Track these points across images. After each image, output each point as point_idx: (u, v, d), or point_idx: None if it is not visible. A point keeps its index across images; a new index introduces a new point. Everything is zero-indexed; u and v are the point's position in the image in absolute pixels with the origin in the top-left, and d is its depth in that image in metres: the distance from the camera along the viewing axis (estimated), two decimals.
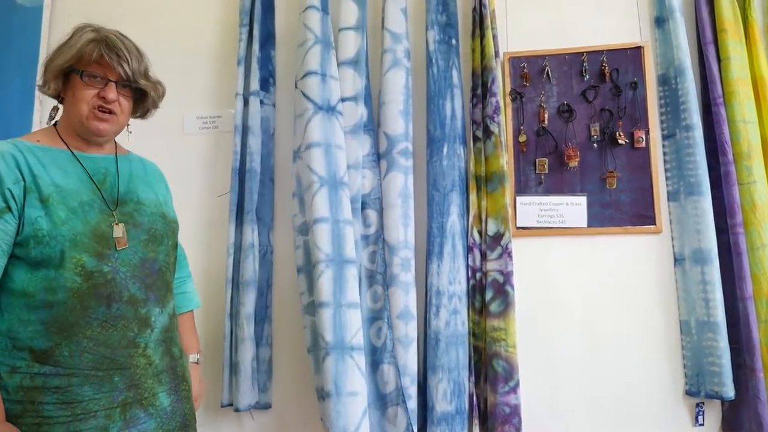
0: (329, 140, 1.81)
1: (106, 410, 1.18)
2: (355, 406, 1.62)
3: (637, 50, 1.92)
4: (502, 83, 1.96)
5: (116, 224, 1.24)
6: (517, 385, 1.73)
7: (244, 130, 1.95)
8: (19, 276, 1.17)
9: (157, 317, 1.29)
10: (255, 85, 1.96)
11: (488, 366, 1.77)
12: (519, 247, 1.91)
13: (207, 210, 2.07)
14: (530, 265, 1.92)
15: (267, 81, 2.03)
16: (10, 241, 1.16)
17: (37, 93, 2.25)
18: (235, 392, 1.83)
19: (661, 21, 1.93)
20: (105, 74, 1.27)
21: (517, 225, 1.92)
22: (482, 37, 1.91)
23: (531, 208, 1.92)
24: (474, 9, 1.95)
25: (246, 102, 1.96)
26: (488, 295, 1.79)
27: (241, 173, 1.93)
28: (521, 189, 1.94)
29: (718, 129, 1.80)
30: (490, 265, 1.82)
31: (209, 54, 2.18)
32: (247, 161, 1.90)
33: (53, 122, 1.33)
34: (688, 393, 1.80)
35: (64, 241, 1.16)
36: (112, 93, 1.28)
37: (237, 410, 1.83)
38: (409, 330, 1.76)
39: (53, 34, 2.30)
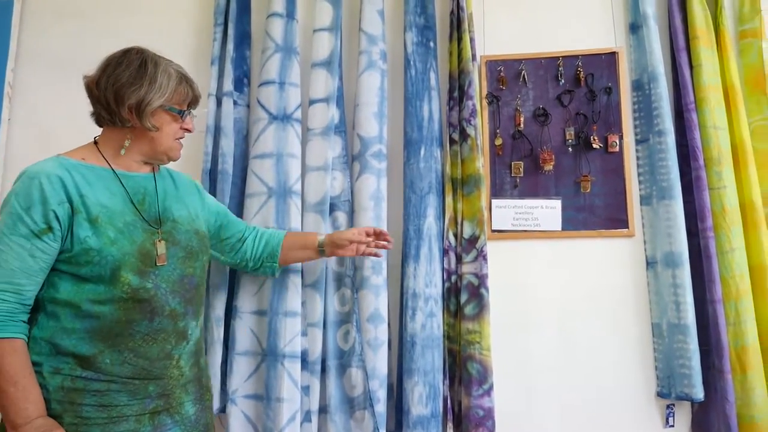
0: (281, 150, 1.84)
1: (137, 416, 1.26)
2: (281, 412, 1.67)
3: (612, 56, 1.94)
4: (478, 86, 1.96)
5: (159, 241, 1.31)
6: (491, 388, 1.74)
7: (217, 131, 1.93)
8: (65, 288, 1.23)
9: (193, 330, 1.38)
10: (228, 85, 1.93)
11: (463, 369, 1.77)
12: (494, 250, 1.92)
13: None
14: (505, 268, 1.92)
15: (241, 81, 2.00)
16: (50, 260, 1.22)
17: (6, 89, 2.21)
18: None
19: (635, 27, 1.95)
20: (189, 108, 1.40)
21: (493, 228, 1.93)
22: (459, 40, 1.91)
23: (506, 211, 1.93)
24: (452, 12, 1.95)
25: (219, 102, 1.94)
26: (463, 298, 1.79)
27: (213, 174, 1.90)
28: (497, 192, 1.94)
29: (690, 134, 1.82)
30: (466, 268, 1.82)
31: (183, 53, 2.14)
32: (219, 162, 1.88)
33: (93, 139, 1.38)
34: (660, 395, 1.82)
35: (113, 261, 1.23)
36: (192, 123, 1.43)
37: None
38: (378, 333, 1.76)
39: (24, 29, 2.25)
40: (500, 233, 1.93)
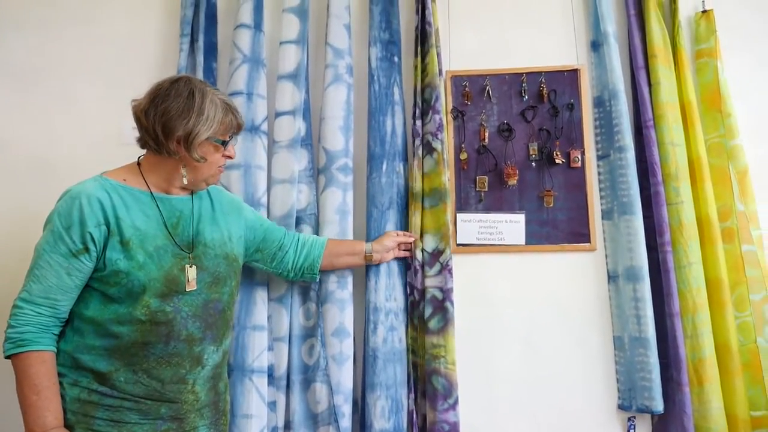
0: (249, 161, 1.84)
1: None
2: (249, 428, 1.66)
3: (574, 73, 1.98)
4: (444, 101, 1.98)
5: (190, 266, 1.35)
6: (456, 402, 1.73)
7: None
8: (94, 305, 1.29)
9: (210, 355, 1.39)
10: None
11: (427, 383, 1.76)
12: (459, 263, 1.93)
13: None
14: (470, 281, 1.94)
15: None
16: (84, 278, 1.28)
17: None
18: None
19: (596, 45, 1.99)
20: (232, 137, 1.43)
21: (458, 242, 1.94)
22: (425, 54, 1.93)
23: (471, 225, 1.94)
24: (417, 27, 1.97)
25: None
26: (427, 312, 1.79)
27: None
28: (462, 206, 1.95)
29: (649, 151, 1.86)
30: (429, 282, 1.81)
31: (149, 63, 2.13)
32: None
33: (137, 160, 1.42)
34: (621, 407, 1.84)
35: (139, 285, 1.27)
36: (233, 150, 1.46)
37: None
38: (344, 347, 1.75)
39: None
40: (465, 247, 1.94)
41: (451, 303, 1.78)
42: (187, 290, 1.34)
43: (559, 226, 1.92)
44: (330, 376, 1.73)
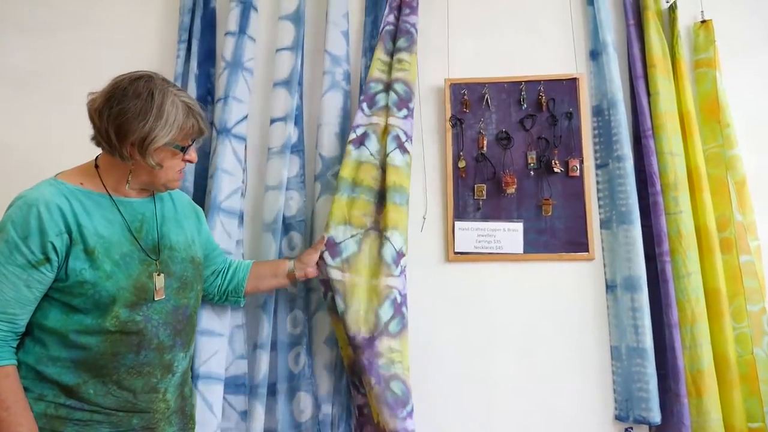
0: (218, 165, 1.81)
1: None
2: None
3: (573, 81, 1.97)
4: (445, 109, 1.98)
5: (157, 275, 1.29)
6: (412, 410, 1.63)
7: None
8: (55, 315, 1.21)
9: (180, 362, 1.35)
10: None
11: (386, 389, 1.62)
12: (456, 272, 1.93)
13: None
14: (467, 290, 1.93)
15: (205, 99, 1.98)
16: (44, 289, 1.20)
17: None
18: None
19: (595, 54, 1.99)
20: (193, 142, 1.34)
21: (455, 250, 1.93)
22: (398, 50, 1.88)
23: (469, 234, 1.93)
24: (390, 23, 1.92)
25: None
26: (387, 314, 1.66)
27: None
28: (459, 214, 1.95)
29: (647, 160, 1.86)
30: (391, 281, 1.68)
31: (147, 69, 2.11)
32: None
33: (95, 161, 1.33)
34: (618, 418, 1.83)
35: (107, 295, 1.21)
36: (195, 154, 1.37)
37: None
38: (334, 356, 1.74)
39: None
40: (463, 255, 1.93)
41: (406, 308, 1.70)
42: (155, 299, 1.28)
43: (558, 234, 1.91)
44: (318, 386, 1.71)
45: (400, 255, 1.71)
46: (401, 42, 1.89)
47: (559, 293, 1.92)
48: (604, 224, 1.93)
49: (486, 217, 1.94)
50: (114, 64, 2.10)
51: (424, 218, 1.97)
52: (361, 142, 1.80)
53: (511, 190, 1.92)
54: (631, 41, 1.95)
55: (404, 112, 1.83)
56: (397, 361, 1.64)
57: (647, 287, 1.78)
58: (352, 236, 1.72)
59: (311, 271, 1.66)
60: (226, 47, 1.93)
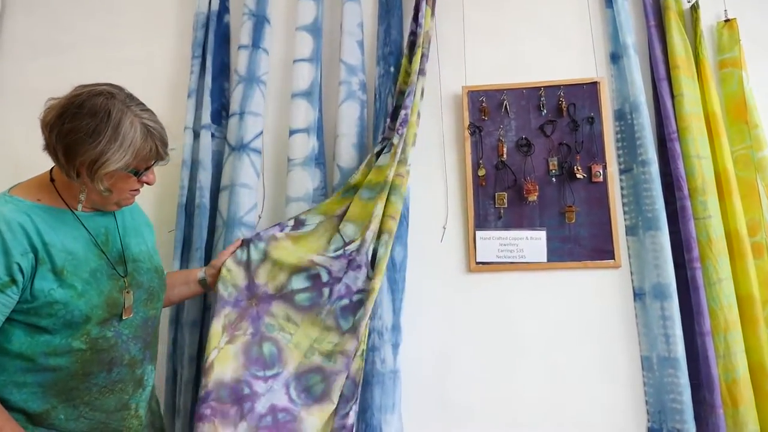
0: (234, 180, 1.80)
1: None
2: None
3: (593, 85, 1.93)
4: (463, 117, 1.95)
5: (127, 292, 1.23)
6: (273, 377, 1.52)
7: (194, 165, 1.88)
8: (18, 338, 1.13)
9: (149, 375, 1.31)
10: (206, 118, 1.90)
11: (255, 344, 1.56)
12: (478, 282, 1.89)
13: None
14: (490, 301, 1.88)
15: (219, 114, 1.97)
16: (7, 312, 1.11)
17: None
18: None
19: (616, 57, 1.95)
20: (152, 163, 1.23)
21: (477, 260, 1.89)
22: (412, 56, 1.85)
23: (491, 243, 1.89)
24: (411, 32, 1.89)
25: (196, 135, 1.90)
26: (303, 284, 1.61)
27: (189, 209, 1.86)
28: (480, 223, 1.91)
29: (673, 164, 1.81)
30: (319, 259, 1.62)
31: (162, 86, 2.12)
32: (196, 196, 1.84)
33: (50, 174, 1.24)
34: (650, 430, 1.77)
35: (80, 314, 1.14)
36: (153, 176, 1.27)
37: None
38: None
39: (2, 65, 2.21)
40: (485, 265, 1.89)
41: (330, 292, 1.60)
42: (124, 317, 1.22)
43: (582, 242, 1.87)
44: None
45: (346, 242, 1.65)
46: (414, 47, 1.87)
47: (585, 302, 1.86)
48: (630, 231, 1.88)
49: (508, 226, 1.90)
50: (130, 82, 2.07)
51: (444, 228, 1.93)
52: (380, 153, 1.79)
53: (533, 197, 1.87)
54: (653, 43, 1.90)
55: (401, 110, 1.79)
56: (287, 332, 1.57)
57: (677, 295, 1.73)
58: (319, 222, 1.71)
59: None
60: (239, 61, 1.92)
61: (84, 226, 1.22)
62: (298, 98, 1.89)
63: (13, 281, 1.09)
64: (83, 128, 1.11)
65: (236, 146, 1.83)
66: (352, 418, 1.51)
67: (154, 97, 2.07)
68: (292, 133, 1.87)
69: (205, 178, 1.84)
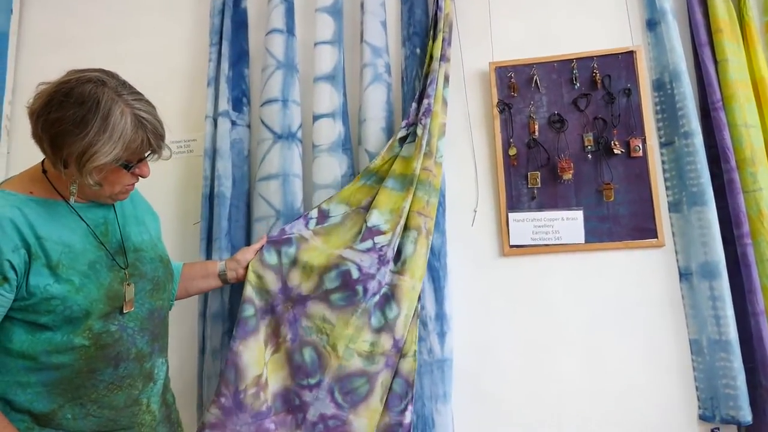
0: (287, 170, 1.76)
1: None
2: None
3: (629, 55, 1.82)
4: (491, 94, 1.86)
5: (128, 285, 1.18)
6: (317, 384, 1.52)
7: (214, 154, 1.84)
8: (19, 337, 1.09)
9: (159, 369, 1.27)
10: (224, 105, 1.85)
11: (297, 351, 1.55)
12: (513, 267, 1.81)
13: (181, 238, 1.96)
14: (526, 285, 1.80)
15: (240, 101, 1.92)
16: (3, 312, 1.07)
17: (4, 122, 2.16)
18: None
19: (652, 24, 1.84)
20: (145, 155, 1.18)
21: (510, 243, 1.81)
22: (434, 40, 1.79)
23: (524, 225, 1.81)
24: (434, 14, 1.83)
25: (216, 124, 1.86)
26: (333, 282, 1.57)
27: (212, 199, 1.82)
28: (513, 205, 1.82)
29: (719, 134, 1.70)
30: (348, 253, 1.59)
31: (182, 76, 2.09)
32: (215, 186, 1.80)
33: (42, 165, 1.18)
34: (702, 418, 1.67)
35: (80, 309, 1.10)
36: (147, 169, 1.21)
37: None
38: None
39: (20, 60, 2.22)
40: (519, 248, 1.81)
41: (364, 290, 1.55)
42: (125, 311, 1.17)
43: (622, 221, 1.77)
44: None
45: (372, 232, 1.61)
46: (436, 30, 1.80)
47: (627, 284, 1.77)
48: (674, 207, 1.77)
49: (542, 207, 1.81)
50: (149, 74, 2.10)
51: (475, 211, 1.86)
52: (405, 140, 1.74)
53: (568, 176, 1.78)
54: (692, 6, 1.79)
55: (423, 99, 1.73)
56: (324, 333, 1.54)
57: (727, 273, 1.62)
58: (343, 212, 1.67)
59: (243, 273, 1.55)
60: (274, 45, 1.85)
61: (80, 217, 1.17)
62: (322, 82, 1.84)
63: (6, 279, 1.05)
64: (70, 118, 1.04)
65: (284, 135, 1.79)
66: (408, 417, 1.52)
67: (174, 88, 2.09)
68: (316, 118, 1.82)
69: (223, 166, 1.80)
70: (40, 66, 2.18)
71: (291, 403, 1.52)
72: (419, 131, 1.69)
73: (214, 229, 1.77)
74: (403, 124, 1.75)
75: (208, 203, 1.82)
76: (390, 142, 1.74)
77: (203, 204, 1.82)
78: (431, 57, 1.78)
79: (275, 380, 1.53)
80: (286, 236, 1.61)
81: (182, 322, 1.87)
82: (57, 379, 1.11)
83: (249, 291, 1.55)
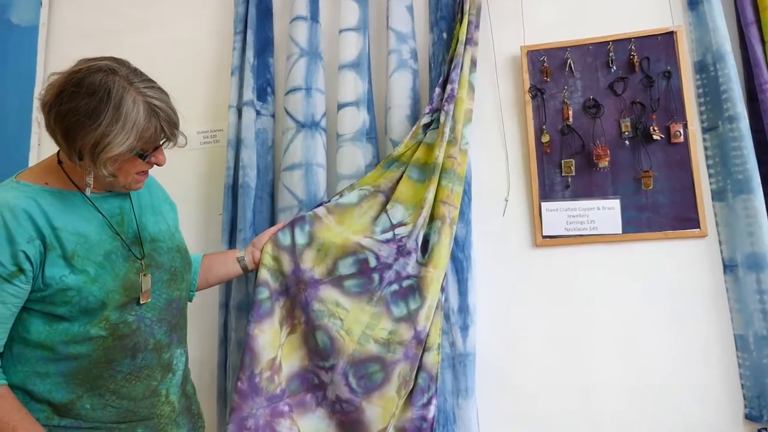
0: (310, 159, 1.74)
1: None
2: None
3: (669, 36, 1.73)
4: (522, 80, 1.80)
5: (144, 275, 1.17)
6: (332, 367, 1.49)
7: (238, 144, 1.82)
8: (36, 328, 1.10)
9: (179, 359, 1.26)
10: (249, 94, 1.82)
11: (310, 334, 1.53)
12: (546, 258, 1.74)
13: (204, 228, 1.95)
14: (559, 278, 1.73)
15: (265, 90, 1.89)
16: (21, 303, 1.08)
17: (35, 114, 2.18)
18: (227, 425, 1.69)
19: (694, 3, 1.74)
20: (159, 143, 1.16)
21: (543, 234, 1.74)
22: (461, 23, 1.73)
23: (558, 215, 1.74)
24: None
25: (240, 114, 1.83)
26: (349, 269, 1.55)
27: (235, 189, 1.80)
28: (546, 194, 1.75)
29: (766, 119, 1.60)
30: (367, 242, 1.56)
31: (207, 65, 2.08)
32: (240, 176, 1.77)
33: (57, 156, 1.18)
34: (749, 417, 1.58)
35: (95, 300, 1.10)
36: (163, 157, 1.19)
37: None
38: None
39: (50, 52, 2.24)
40: (552, 239, 1.74)
41: (380, 279, 1.54)
42: (141, 302, 1.16)
43: (661, 210, 1.68)
44: None
45: (394, 225, 1.58)
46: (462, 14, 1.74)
47: (667, 277, 1.68)
48: (717, 195, 1.68)
49: (576, 196, 1.74)
50: (173, 63, 2.10)
51: (506, 201, 1.79)
52: (429, 126, 1.69)
53: (604, 163, 1.70)
54: None
55: (447, 91, 1.67)
56: (337, 317, 1.51)
57: None
58: (359, 189, 1.63)
59: (260, 256, 1.54)
60: (297, 33, 1.82)
61: (96, 208, 1.17)
62: (346, 70, 1.79)
63: (21, 270, 1.05)
64: (82, 109, 1.03)
65: (307, 124, 1.76)
66: (432, 411, 1.48)
67: (200, 78, 2.07)
68: (340, 107, 1.78)
69: (248, 156, 1.78)
70: (69, 58, 2.14)
71: (310, 382, 1.51)
72: (442, 118, 1.64)
73: (239, 220, 1.75)
74: (427, 109, 1.70)
75: (231, 194, 1.80)
76: (414, 128, 1.69)
77: (226, 194, 1.80)
78: (457, 40, 1.73)
79: (292, 361, 1.52)
80: (299, 215, 1.60)
81: (201, 314, 1.86)
82: (75, 369, 1.11)
83: (264, 273, 1.54)
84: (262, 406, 1.45)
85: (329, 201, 1.62)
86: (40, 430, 1.07)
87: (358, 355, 1.49)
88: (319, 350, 1.51)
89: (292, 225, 1.58)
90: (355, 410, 1.47)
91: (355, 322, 1.51)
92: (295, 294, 1.54)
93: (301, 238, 1.56)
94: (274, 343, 1.50)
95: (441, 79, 1.73)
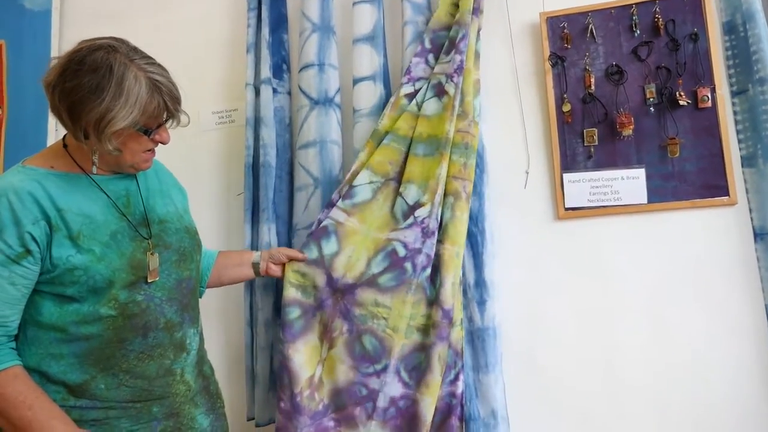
0: (324, 137, 1.71)
1: None
2: None
3: None
4: (542, 47, 1.75)
5: (152, 254, 1.19)
6: (384, 370, 1.48)
7: (256, 122, 1.81)
8: (48, 309, 1.12)
9: (192, 339, 1.26)
10: (266, 72, 1.80)
11: (356, 342, 1.50)
12: (569, 230, 1.71)
13: (225, 210, 1.95)
14: (583, 250, 1.70)
15: (280, 67, 1.87)
16: (31, 284, 1.10)
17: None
18: (254, 405, 1.70)
19: None
20: (163, 120, 1.17)
21: (566, 206, 1.70)
22: None
23: (581, 186, 1.70)
24: None
25: (257, 92, 1.82)
26: (380, 266, 1.53)
27: (255, 169, 1.79)
28: (568, 165, 1.71)
29: None
30: (394, 234, 1.55)
31: (221, 44, 2.06)
32: (260, 155, 1.76)
33: (63, 140, 1.20)
34: None
35: (102, 279, 1.11)
36: (166, 134, 1.21)
37: (257, 425, 1.68)
38: None
39: (63, 36, 2.24)
40: (575, 211, 1.70)
41: (413, 266, 1.51)
42: (149, 281, 1.17)
43: (689, 178, 1.63)
44: None
45: (413, 207, 1.56)
46: None
47: (695, 247, 1.64)
48: (747, 161, 1.62)
49: (599, 166, 1.69)
50: (187, 44, 2.08)
51: (527, 172, 1.76)
52: (414, 96, 1.66)
53: (628, 131, 1.65)
54: None
55: (452, 54, 1.62)
56: (380, 317, 1.49)
57: None
58: (370, 182, 1.60)
59: (275, 270, 1.53)
60: (309, 7, 1.80)
61: (102, 189, 1.19)
62: (361, 43, 1.76)
63: (28, 251, 1.07)
64: (85, 85, 1.05)
65: (320, 100, 1.74)
66: (460, 387, 1.51)
67: (214, 57, 2.06)
68: (356, 81, 1.75)
69: (268, 135, 1.76)
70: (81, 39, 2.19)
71: (357, 395, 1.48)
72: (451, 90, 1.60)
73: (261, 200, 1.74)
74: (405, 79, 1.68)
75: (251, 173, 1.79)
76: (393, 99, 1.66)
77: (246, 174, 1.79)
78: (456, 7, 1.67)
79: (335, 376, 1.49)
80: (321, 226, 1.57)
81: (228, 294, 1.86)
82: (88, 349, 1.12)
83: (292, 292, 1.52)
84: (306, 425, 1.45)
85: (340, 200, 1.59)
86: (55, 408, 1.08)
87: (406, 348, 1.49)
88: (368, 355, 1.49)
89: (317, 239, 1.55)
90: (413, 404, 1.47)
91: (399, 317, 1.49)
92: (333, 304, 1.53)
93: (328, 249, 1.54)
94: (311, 362, 1.50)
95: (428, 47, 1.69)
